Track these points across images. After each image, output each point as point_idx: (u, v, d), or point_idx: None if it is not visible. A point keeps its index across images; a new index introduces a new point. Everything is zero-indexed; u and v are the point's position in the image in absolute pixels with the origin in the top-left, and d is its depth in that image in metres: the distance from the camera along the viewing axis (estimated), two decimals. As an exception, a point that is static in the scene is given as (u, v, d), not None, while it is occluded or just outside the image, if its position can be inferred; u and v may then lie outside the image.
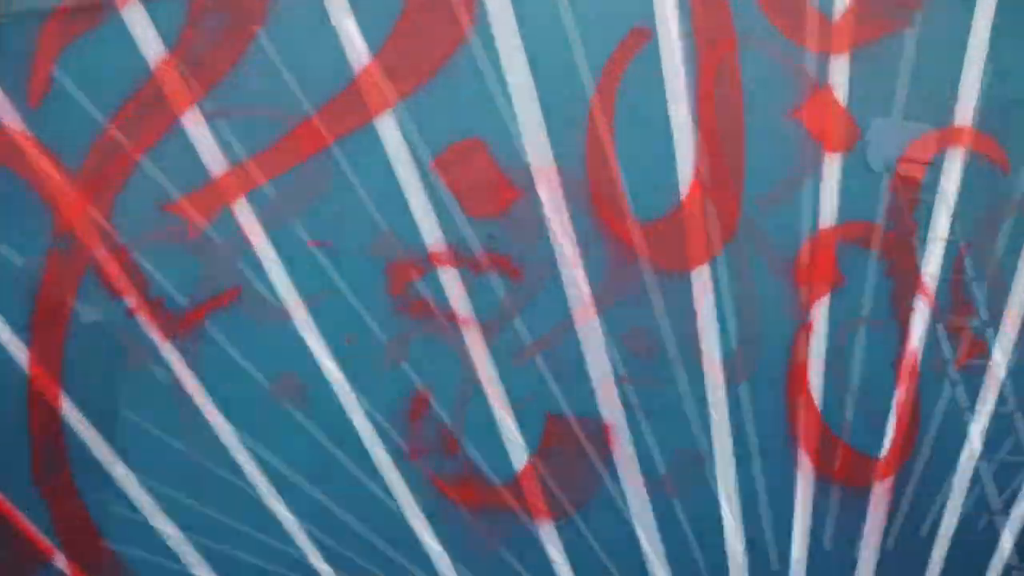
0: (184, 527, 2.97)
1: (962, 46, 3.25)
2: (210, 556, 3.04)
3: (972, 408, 3.27)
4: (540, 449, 3.11)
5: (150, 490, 2.96)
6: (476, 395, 3.09)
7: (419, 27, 2.99)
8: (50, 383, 2.88)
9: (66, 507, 2.90)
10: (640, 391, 3.13)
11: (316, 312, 2.95)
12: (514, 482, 3.07)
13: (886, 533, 3.26)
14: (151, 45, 2.94)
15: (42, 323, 2.91)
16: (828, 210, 3.20)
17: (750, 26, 3.14)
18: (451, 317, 3.03)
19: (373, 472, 3.01)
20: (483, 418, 3.09)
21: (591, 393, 3.16)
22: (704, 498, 3.15)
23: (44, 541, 2.89)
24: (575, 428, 3.13)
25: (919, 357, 3.24)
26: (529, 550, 3.12)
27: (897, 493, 3.26)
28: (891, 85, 3.23)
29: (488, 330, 3.04)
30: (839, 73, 3.17)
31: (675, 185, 3.14)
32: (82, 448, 2.96)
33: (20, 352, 2.87)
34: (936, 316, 3.27)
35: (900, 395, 3.23)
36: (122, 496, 2.94)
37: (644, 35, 3.07)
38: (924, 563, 3.29)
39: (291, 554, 3.02)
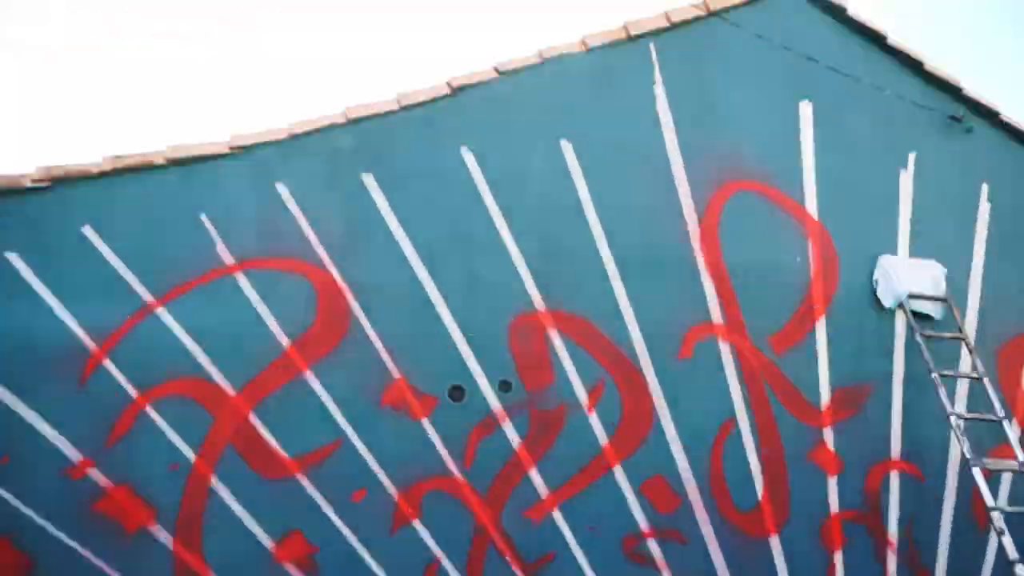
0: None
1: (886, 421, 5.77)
2: None
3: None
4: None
5: None
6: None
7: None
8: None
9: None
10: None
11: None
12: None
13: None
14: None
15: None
16: (832, 503, 5.46)
17: (778, 411, 5.44)
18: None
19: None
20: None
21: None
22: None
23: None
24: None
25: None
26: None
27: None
28: (852, 438, 5.49)
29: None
30: (828, 434, 5.45)
31: (755, 495, 5.35)
32: None
33: None
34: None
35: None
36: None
37: (733, 422, 5.41)
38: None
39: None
